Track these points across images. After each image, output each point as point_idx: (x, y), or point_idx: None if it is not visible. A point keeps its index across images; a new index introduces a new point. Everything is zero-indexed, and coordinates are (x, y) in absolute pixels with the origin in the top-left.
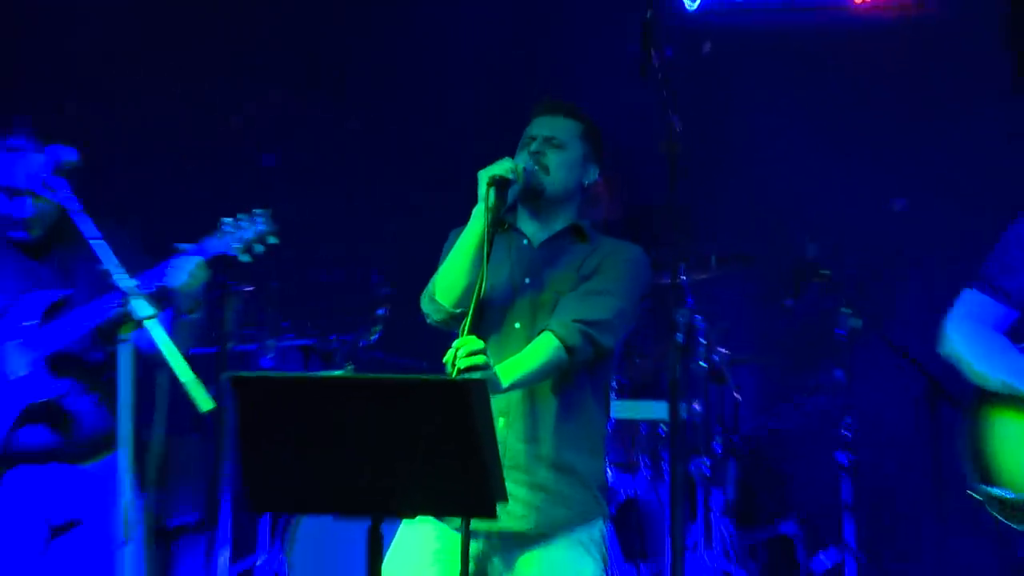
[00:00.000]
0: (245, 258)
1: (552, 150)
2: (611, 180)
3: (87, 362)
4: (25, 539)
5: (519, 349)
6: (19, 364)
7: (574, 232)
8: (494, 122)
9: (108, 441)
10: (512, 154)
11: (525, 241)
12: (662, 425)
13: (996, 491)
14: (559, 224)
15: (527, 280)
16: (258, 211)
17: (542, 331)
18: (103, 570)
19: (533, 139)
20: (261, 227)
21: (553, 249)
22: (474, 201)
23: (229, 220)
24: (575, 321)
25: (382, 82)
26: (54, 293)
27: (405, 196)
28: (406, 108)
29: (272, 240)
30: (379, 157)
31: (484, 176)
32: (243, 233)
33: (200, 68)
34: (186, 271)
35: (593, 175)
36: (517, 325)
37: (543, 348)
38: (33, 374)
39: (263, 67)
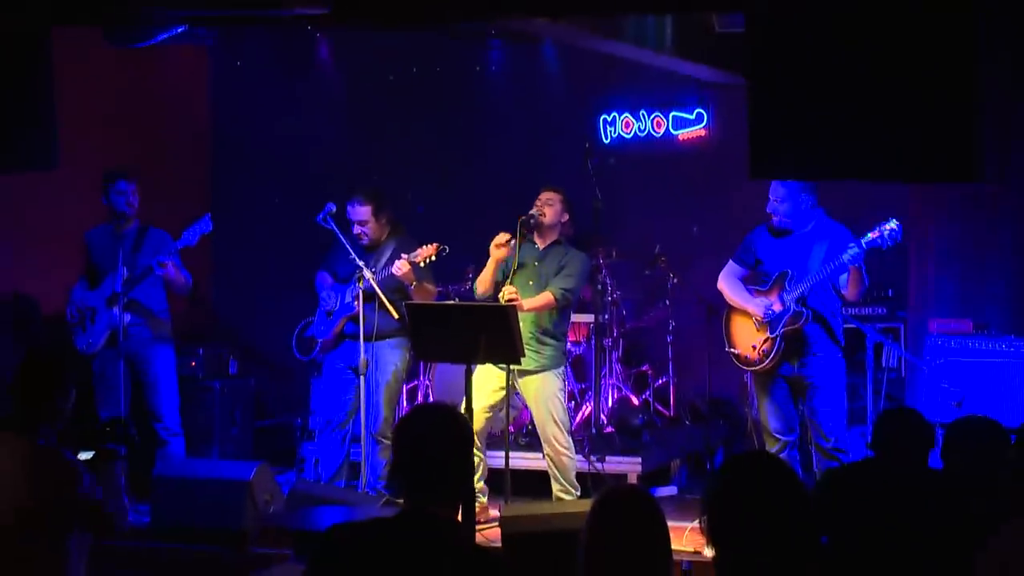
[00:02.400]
0: (420, 264)
1: (547, 207)
2: (571, 217)
3: None
4: None
5: (531, 294)
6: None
7: (557, 243)
8: (526, 178)
9: None
10: (536, 194)
11: (535, 246)
12: (591, 324)
13: (734, 349)
14: (550, 239)
15: (536, 264)
16: (431, 245)
17: (546, 291)
18: None
19: (539, 201)
20: (430, 252)
21: (547, 251)
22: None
23: (420, 247)
24: (561, 288)
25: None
26: None
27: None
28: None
29: (433, 258)
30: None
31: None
32: (422, 252)
33: None
34: (397, 267)
35: (565, 216)
36: (531, 283)
37: (546, 299)
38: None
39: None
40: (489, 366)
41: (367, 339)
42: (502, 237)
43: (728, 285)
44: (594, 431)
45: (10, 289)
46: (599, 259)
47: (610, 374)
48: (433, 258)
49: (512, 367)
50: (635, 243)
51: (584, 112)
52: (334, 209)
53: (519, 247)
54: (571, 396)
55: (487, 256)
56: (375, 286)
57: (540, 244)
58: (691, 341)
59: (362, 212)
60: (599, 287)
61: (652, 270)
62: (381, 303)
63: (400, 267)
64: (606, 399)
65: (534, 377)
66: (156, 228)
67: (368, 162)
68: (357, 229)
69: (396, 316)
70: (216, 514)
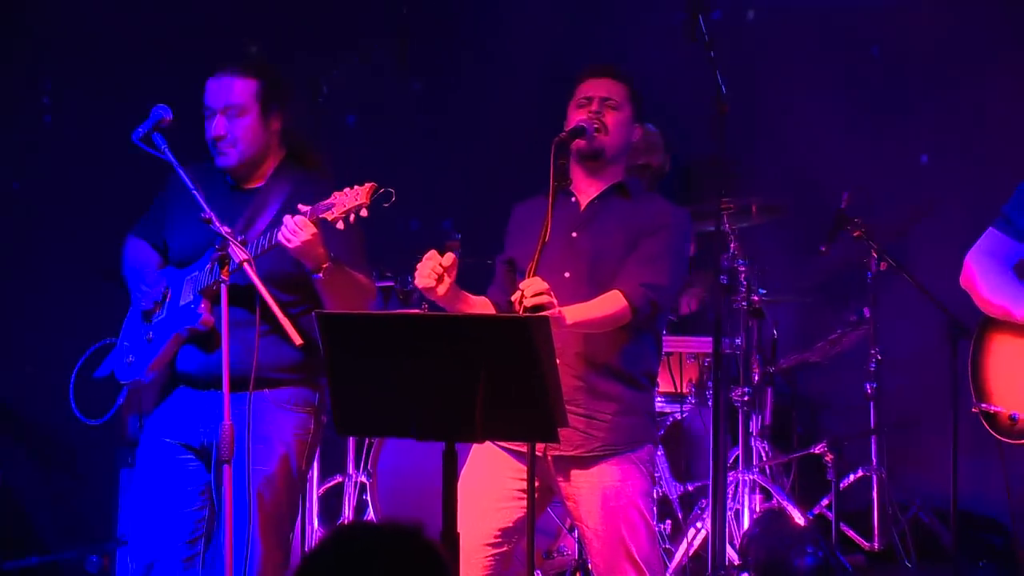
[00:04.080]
0: (339, 226)
1: (609, 110)
2: (658, 141)
3: None
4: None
5: (570, 296)
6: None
7: (618, 190)
8: (550, 85)
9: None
10: (565, 113)
11: (573, 199)
12: (707, 358)
13: (991, 407)
14: (607, 181)
15: (574, 235)
16: (361, 185)
17: (611, 290)
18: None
19: (589, 100)
20: (359, 200)
21: (599, 207)
22: (533, 163)
23: (338, 192)
24: (641, 285)
25: (447, 50)
26: None
27: (473, 153)
28: (470, 74)
29: (364, 212)
30: (448, 119)
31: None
32: (345, 202)
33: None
34: (290, 230)
35: (636, 135)
36: (567, 274)
37: (611, 304)
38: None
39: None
40: (494, 448)
41: (235, 385)
42: (430, 266)
43: (985, 276)
44: None
45: None
46: (722, 223)
47: (746, 460)
48: (365, 211)
49: (543, 448)
50: (797, 190)
51: None
52: (168, 118)
53: (552, 202)
54: (664, 505)
55: (483, 221)
56: (251, 272)
57: (588, 192)
58: (915, 393)
59: (235, 92)
60: (720, 279)
61: (833, 244)
62: (264, 310)
63: (297, 230)
64: (737, 513)
65: (589, 471)
66: None
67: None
68: (216, 134)
69: (296, 340)
70: None
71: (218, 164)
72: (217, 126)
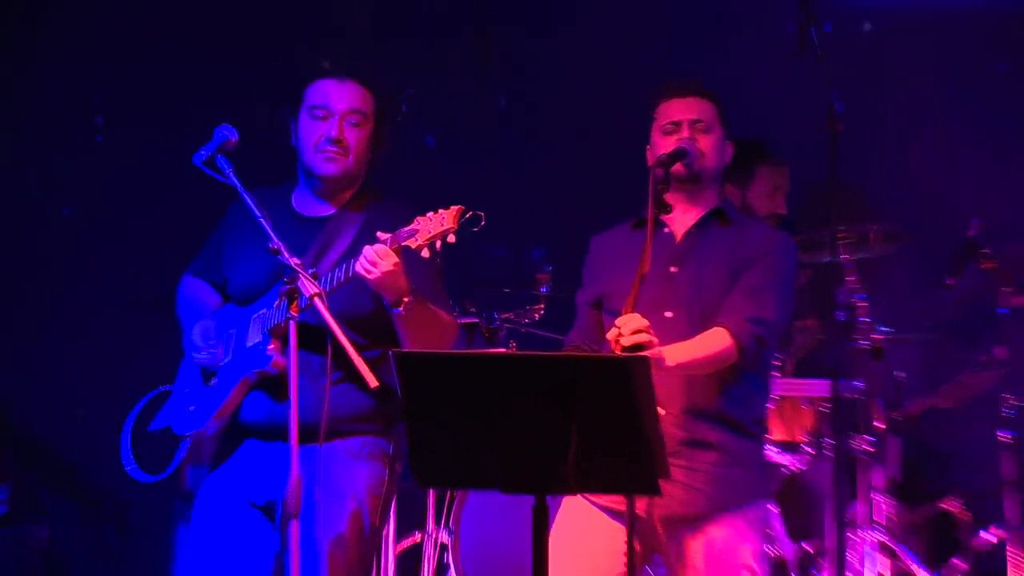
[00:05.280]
0: (424, 253)
1: (701, 135)
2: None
3: None
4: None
5: (673, 339)
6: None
7: (716, 216)
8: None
9: None
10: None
11: (666, 229)
12: (824, 403)
13: None
14: (703, 207)
15: (673, 269)
16: (446, 209)
17: (714, 327)
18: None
19: (677, 125)
20: (446, 225)
21: (697, 236)
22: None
23: (422, 217)
24: (746, 320)
25: (534, 62)
26: None
27: (565, 174)
28: (560, 87)
29: (451, 238)
30: (535, 135)
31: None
32: (430, 228)
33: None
34: (370, 259)
35: (728, 154)
36: (668, 314)
37: (715, 342)
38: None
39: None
40: (587, 503)
41: (304, 437)
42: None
43: None
44: None
45: None
46: (837, 253)
47: (869, 518)
48: (453, 237)
49: (645, 506)
50: (920, 216)
51: None
52: (234, 140)
53: (652, 229)
54: (780, 568)
55: (577, 250)
56: (323, 308)
57: (683, 221)
58: None
59: (362, 100)
60: (837, 316)
61: (961, 276)
62: (336, 350)
63: (377, 259)
64: None
65: (695, 531)
66: None
67: None
68: (332, 135)
69: (372, 383)
70: None
71: (319, 171)
72: (335, 127)
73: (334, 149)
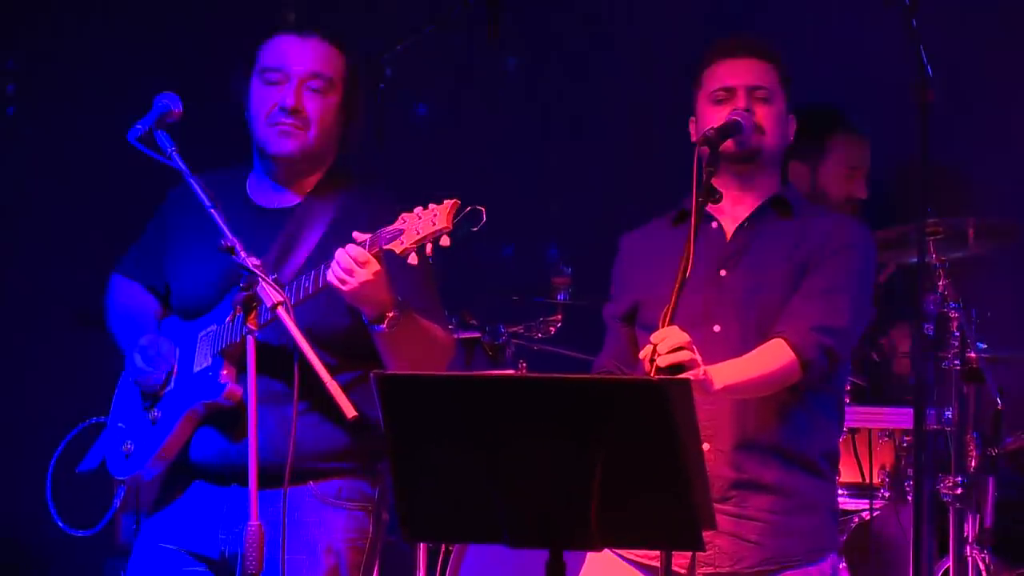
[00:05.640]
0: (411, 260)
1: (760, 104)
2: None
3: None
4: None
5: (721, 357)
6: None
7: (777, 206)
8: (689, 64)
9: None
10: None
11: (714, 224)
12: (906, 436)
13: None
14: (760, 195)
15: (723, 272)
16: (439, 204)
17: (772, 337)
18: None
19: (730, 91)
20: (438, 224)
21: (752, 232)
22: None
23: (408, 213)
24: (812, 329)
25: (551, 16)
26: None
27: (586, 156)
28: (582, 47)
29: (445, 241)
30: (551, 107)
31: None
32: (419, 227)
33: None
34: (344, 267)
35: (791, 129)
36: (716, 328)
37: (773, 358)
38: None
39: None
40: (614, 558)
41: (266, 479)
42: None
43: None
44: None
45: None
46: (927, 253)
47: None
48: (447, 239)
49: (687, 564)
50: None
51: None
52: (177, 111)
53: (695, 224)
54: None
55: (603, 249)
56: (288, 320)
57: (734, 214)
58: None
59: (326, 62)
60: (925, 330)
61: None
62: (304, 373)
63: (353, 267)
64: None
65: None
66: None
67: None
68: (288, 104)
69: (349, 412)
70: None
71: (272, 149)
72: (291, 94)
73: (290, 121)
